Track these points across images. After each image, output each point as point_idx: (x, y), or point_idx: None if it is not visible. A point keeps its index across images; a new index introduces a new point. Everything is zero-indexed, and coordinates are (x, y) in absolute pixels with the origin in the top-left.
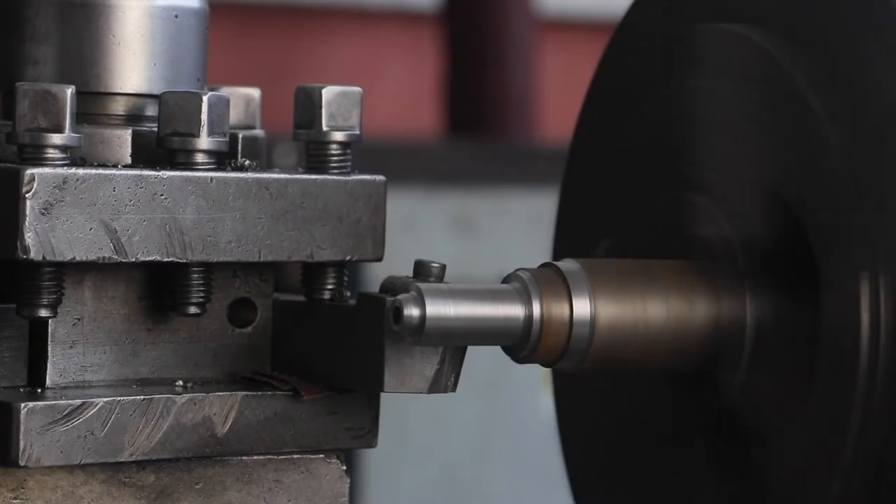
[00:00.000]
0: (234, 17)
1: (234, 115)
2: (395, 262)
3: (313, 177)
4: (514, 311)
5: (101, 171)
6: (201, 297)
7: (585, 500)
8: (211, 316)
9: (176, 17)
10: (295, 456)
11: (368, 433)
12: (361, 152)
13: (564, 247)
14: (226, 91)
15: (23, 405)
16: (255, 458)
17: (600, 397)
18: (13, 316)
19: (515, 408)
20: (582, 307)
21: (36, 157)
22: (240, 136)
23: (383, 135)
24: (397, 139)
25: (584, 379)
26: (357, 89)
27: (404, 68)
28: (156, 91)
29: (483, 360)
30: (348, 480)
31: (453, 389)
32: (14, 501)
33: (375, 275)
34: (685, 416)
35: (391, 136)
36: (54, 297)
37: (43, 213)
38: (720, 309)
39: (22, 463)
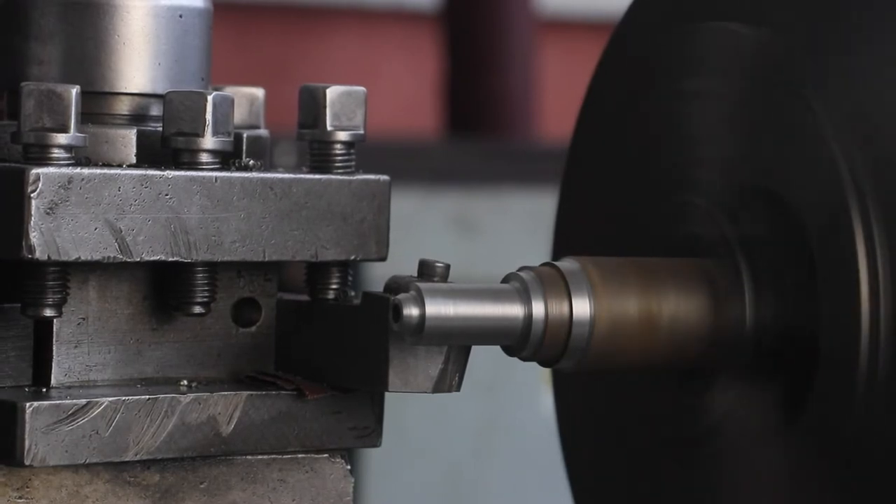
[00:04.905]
0: (234, 16)
1: (238, 115)
2: (395, 262)
3: (317, 176)
4: (514, 310)
5: (105, 170)
6: (206, 297)
7: (585, 500)
8: (215, 315)
9: (180, 16)
10: (299, 455)
11: (372, 433)
12: (362, 152)
13: (564, 247)
14: (230, 91)
15: (28, 405)
16: (260, 457)
17: (600, 397)
18: (18, 315)
19: (515, 408)
20: (581, 307)
21: (41, 156)
22: (244, 135)
23: (383, 135)
24: (397, 139)
25: (584, 379)
26: (361, 89)
27: (404, 68)
28: (160, 91)
29: (483, 360)
30: (352, 480)
31: (457, 389)
32: (19, 501)
33: (377, 274)
34: (685, 416)
35: (391, 136)
36: (59, 296)
37: (48, 213)
38: (720, 308)
39: (27, 462)
